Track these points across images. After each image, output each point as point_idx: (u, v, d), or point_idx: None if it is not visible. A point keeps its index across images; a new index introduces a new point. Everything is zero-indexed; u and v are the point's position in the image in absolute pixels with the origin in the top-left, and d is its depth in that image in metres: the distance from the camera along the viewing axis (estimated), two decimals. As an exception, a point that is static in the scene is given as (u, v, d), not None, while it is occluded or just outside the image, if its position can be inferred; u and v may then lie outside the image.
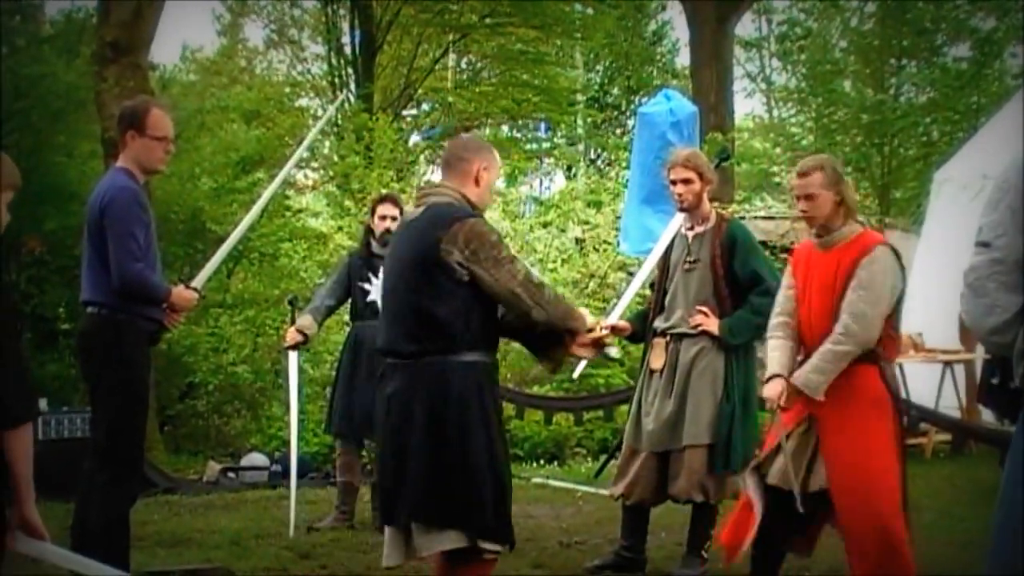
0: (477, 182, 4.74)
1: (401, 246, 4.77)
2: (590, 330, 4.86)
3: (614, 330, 6.25)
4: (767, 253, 8.06)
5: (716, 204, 7.12)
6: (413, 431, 4.55)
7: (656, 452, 6.30)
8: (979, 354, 10.85)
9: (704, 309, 6.24)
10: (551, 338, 4.81)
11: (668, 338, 6.37)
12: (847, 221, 5.37)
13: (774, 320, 5.53)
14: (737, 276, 6.29)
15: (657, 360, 6.39)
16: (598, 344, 4.94)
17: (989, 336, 3.44)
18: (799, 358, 5.40)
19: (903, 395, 5.35)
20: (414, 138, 23.23)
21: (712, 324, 6.20)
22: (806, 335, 5.38)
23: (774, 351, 5.48)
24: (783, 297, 5.55)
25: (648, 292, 7.09)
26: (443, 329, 4.52)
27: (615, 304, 7.44)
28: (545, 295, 4.63)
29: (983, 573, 3.47)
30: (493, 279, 4.52)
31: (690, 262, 6.36)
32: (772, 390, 5.35)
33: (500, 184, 27.30)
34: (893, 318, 5.35)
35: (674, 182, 6.36)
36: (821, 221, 5.38)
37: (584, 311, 4.92)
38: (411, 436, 4.55)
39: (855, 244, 5.32)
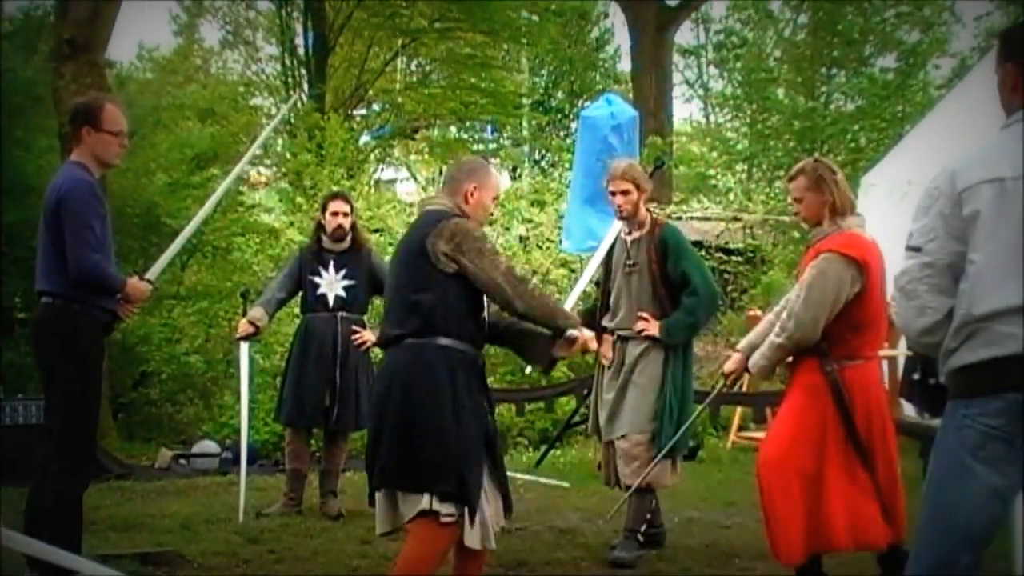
0: (467, 200, 4.87)
1: (399, 247, 4.97)
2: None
3: None
4: (703, 253, 8.16)
5: (655, 204, 7.20)
6: (390, 405, 4.67)
7: (606, 441, 6.58)
8: (901, 351, 10.95)
9: (645, 315, 6.43)
10: (538, 340, 4.90)
11: (615, 337, 6.58)
12: (836, 220, 5.42)
13: (777, 318, 5.62)
14: (670, 277, 6.46)
15: (606, 356, 6.61)
16: (581, 347, 4.93)
17: (920, 337, 3.47)
18: None
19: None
20: (364, 137, 23.12)
21: (653, 328, 6.39)
22: None
23: (753, 331, 5.83)
24: (786, 298, 5.66)
25: (593, 288, 7.18)
26: (425, 315, 4.63)
27: (570, 295, 7.51)
28: (527, 289, 4.71)
29: (909, 569, 3.49)
30: (477, 268, 4.62)
31: (629, 265, 6.56)
32: (729, 366, 5.82)
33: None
34: (854, 319, 5.33)
35: (613, 193, 6.56)
36: (811, 222, 5.51)
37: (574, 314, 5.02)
38: (388, 410, 4.67)
39: (823, 245, 5.38)
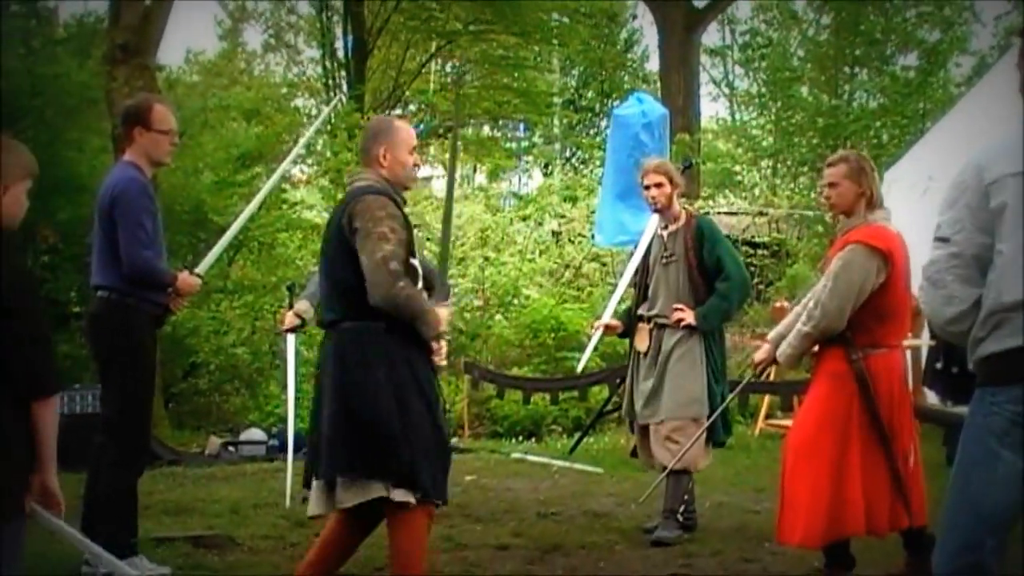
0: (382, 164, 4.64)
1: (326, 230, 4.80)
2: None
3: (607, 328, 6.93)
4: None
5: (683, 200, 7.21)
6: (327, 393, 4.54)
7: (642, 425, 6.60)
8: (924, 341, 10.86)
9: (681, 306, 6.48)
10: None
11: (651, 324, 6.62)
12: (865, 213, 5.38)
13: (806, 307, 5.57)
14: (707, 264, 6.51)
15: (642, 343, 6.66)
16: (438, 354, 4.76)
17: (947, 325, 3.43)
18: None
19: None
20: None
21: (689, 316, 6.43)
22: None
23: (782, 323, 5.77)
24: (814, 289, 5.62)
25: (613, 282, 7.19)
26: (353, 297, 4.45)
27: (606, 306, 7.56)
28: (393, 284, 4.36)
29: (936, 552, 3.46)
30: (360, 248, 4.41)
31: (667, 257, 6.61)
32: (759, 356, 5.78)
33: (481, 179, 27.40)
34: (880, 309, 5.30)
35: (647, 186, 6.61)
36: (841, 208, 5.45)
37: (442, 315, 4.66)
38: (325, 398, 4.55)
39: (851, 236, 5.34)
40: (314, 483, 4.62)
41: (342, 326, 4.56)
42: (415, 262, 4.63)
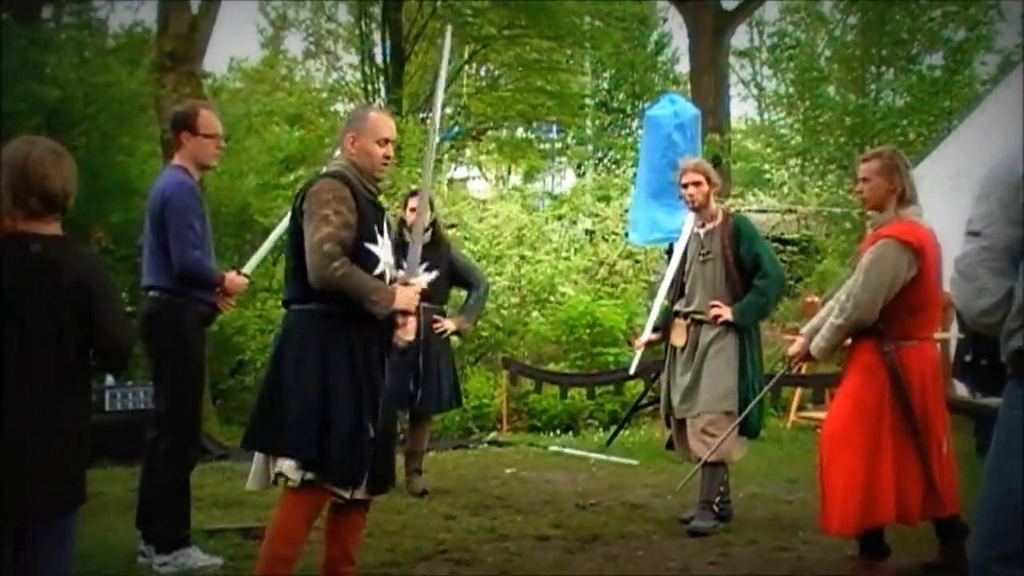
0: (350, 151, 4.58)
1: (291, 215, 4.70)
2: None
3: (649, 344, 7.05)
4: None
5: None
6: (268, 371, 4.52)
7: (679, 419, 6.60)
8: (953, 333, 10.79)
9: (718, 303, 6.47)
10: None
11: (688, 320, 6.62)
12: (897, 209, 5.35)
13: (839, 300, 5.54)
14: (743, 262, 6.49)
15: (679, 338, 6.66)
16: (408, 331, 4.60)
17: (978, 317, 3.40)
18: None
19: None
20: (436, 138, 23.20)
21: (727, 313, 6.41)
22: None
23: (816, 316, 5.73)
24: (846, 284, 5.59)
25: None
26: (301, 279, 4.40)
27: (649, 316, 7.49)
28: (328, 264, 4.29)
29: (971, 540, 3.44)
30: (304, 230, 4.37)
31: (704, 254, 6.61)
32: (793, 349, 5.71)
33: (517, 180, 27.37)
34: (911, 303, 5.27)
35: (685, 185, 6.62)
36: (872, 204, 5.42)
37: (404, 291, 4.53)
38: (265, 375, 4.53)
39: (883, 231, 5.31)
40: (256, 456, 4.54)
41: (291, 307, 4.52)
42: (374, 248, 4.51)
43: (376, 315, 4.41)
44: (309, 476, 4.36)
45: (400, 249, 7.71)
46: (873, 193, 5.39)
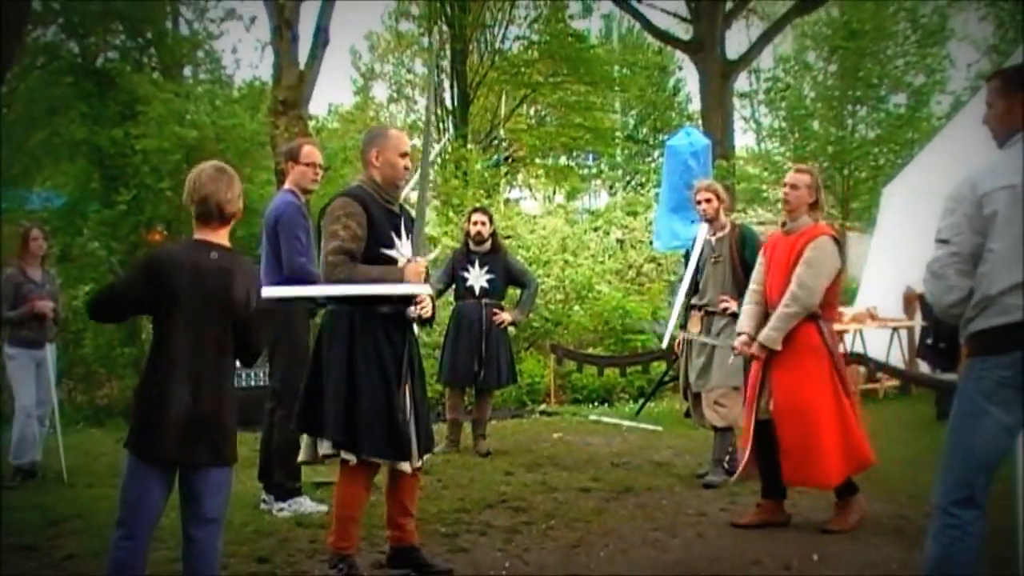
0: (374, 165, 4.38)
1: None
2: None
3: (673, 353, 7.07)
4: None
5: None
6: (308, 365, 4.42)
7: (695, 392, 6.56)
8: (917, 322, 10.67)
9: (727, 297, 6.43)
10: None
11: (702, 311, 6.58)
12: (811, 215, 5.34)
13: (750, 288, 5.54)
14: (748, 264, 6.36)
15: (695, 327, 6.62)
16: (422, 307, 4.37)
17: (948, 309, 3.44)
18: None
19: (860, 350, 5.27)
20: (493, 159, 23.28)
21: (734, 305, 6.33)
22: (769, 299, 5.35)
23: (745, 314, 5.50)
24: (756, 272, 5.55)
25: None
26: None
27: (671, 314, 7.59)
28: (332, 272, 4.18)
29: (934, 491, 3.42)
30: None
31: (715, 257, 6.59)
32: (740, 343, 5.42)
33: (560, 199, 27.31)
34: (835, 290, 5.28)
35: (699, 201, 6.64)
36: (793, 207, 5.33)
37: (411, 268, 4.28)
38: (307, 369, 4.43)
39: (808, 233, 5.27)
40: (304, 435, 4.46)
41: (327, 308, 4.43)
42: (391, 252, 4.33)
43: (393, 294, 4.22)
44: (348, 456, 4.25)
45: (465, 256, 7.81)
46: (799, 200, 5.32)
